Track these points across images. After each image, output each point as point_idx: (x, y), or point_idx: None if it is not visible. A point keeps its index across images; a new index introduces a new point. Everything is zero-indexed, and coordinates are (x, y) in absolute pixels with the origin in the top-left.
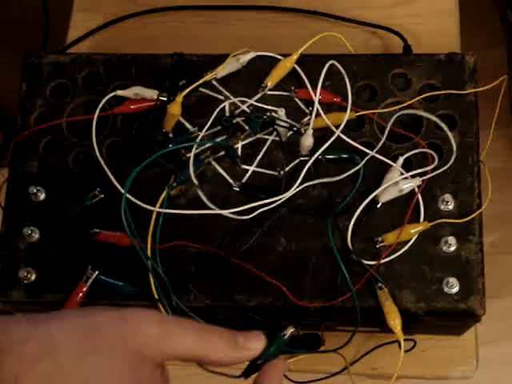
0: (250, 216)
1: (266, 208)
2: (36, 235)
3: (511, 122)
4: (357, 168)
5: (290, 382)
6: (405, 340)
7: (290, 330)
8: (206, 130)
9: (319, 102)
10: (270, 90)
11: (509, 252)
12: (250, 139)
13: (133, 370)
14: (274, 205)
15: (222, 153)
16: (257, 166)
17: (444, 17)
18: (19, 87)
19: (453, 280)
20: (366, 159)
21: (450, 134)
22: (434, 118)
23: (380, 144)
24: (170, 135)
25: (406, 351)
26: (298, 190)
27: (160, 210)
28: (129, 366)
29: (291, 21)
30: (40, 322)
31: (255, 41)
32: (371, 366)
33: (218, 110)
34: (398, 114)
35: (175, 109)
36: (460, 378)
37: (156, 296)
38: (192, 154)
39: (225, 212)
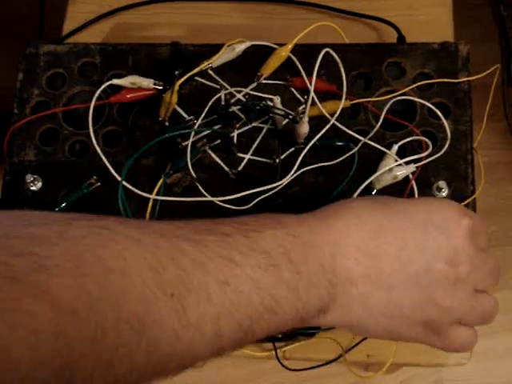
0: (248, 206)
1: (262, 196)
2: None
3: (504, 116)
4: (351, 153)
5: (286, 369)
6: None
7: None
8: (202, 119)
9: (314, 91)
10: (265, 79)
11: (502, 245)
12: (246, 128)
13: None
14: (270, 193)
15: (218, 141)
16: (252, 155)
17: (437, 8)
18: (15, 78)
19: None
20: (360, 144)
21: (444, 121)
22: (429, 105)
23: (374, 130)
24: (167, 124)
25: None
26: (293, 177)
27: (157, 197)
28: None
29: (286, 12)
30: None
31: (250, 32)
32: (366, 353)
33: (214, 99)
34: (392, 101)
35: (171, 97)
36: (454, 365)
37: None
38: (190, 142)
39: (221, 200)
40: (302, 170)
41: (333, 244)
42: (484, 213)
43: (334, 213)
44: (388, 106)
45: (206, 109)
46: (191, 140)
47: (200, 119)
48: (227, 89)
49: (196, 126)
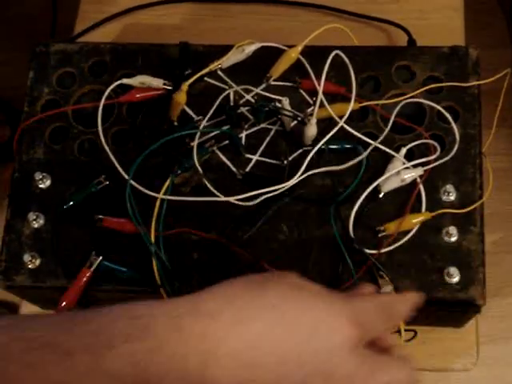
0: (252, 203)
1: (268, 195)
2: (41, 221)
3: None
4: (360, 158)
5: None
6: (405, 330)
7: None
8: (210, 119)
9: (323, 93)
10: (274, 80)
11: (511, 251)
12: (254, 129)
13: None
14: (275, 192)
15: (226, 142)
16: (261, 156)
17: (449, 12)
18: (26, 76)
19: (453, 270)
20: (369, 150)
21: (453, 124)
22: (438, 107)
23: (384, 134)
24: (175, 123)
25: (406, 341)
26: (300, 178)
27: (164, 196)
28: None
29: (296, 14)
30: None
31: (261, 34)
32: None
33: (221, 97)
34: (402, 104)
35: (181, 97)
36: (460, 371)
37: (159, 282)
38: (195, 142)
39: (227, 199)
40: (309, 173)
41: (207, 353)
42: (494, 218)
43: (215, 312)
44: (397, 109)
45: (213, 109)
46: (199, 140)
47: (206, 119)
48: (236, 89)
49: (202, 126)
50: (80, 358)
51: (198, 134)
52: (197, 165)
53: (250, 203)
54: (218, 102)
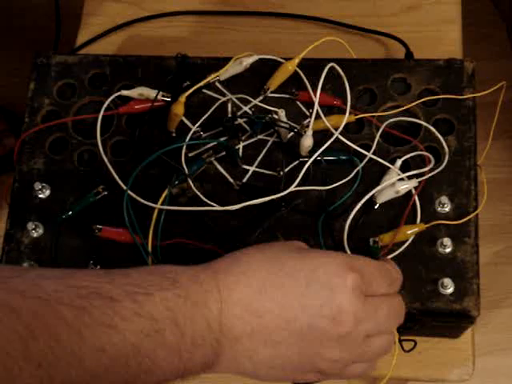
0: (237, 207)
1: (259, 202)
2: (40, 230)
3: None
4: (356, 170)
5: None
6: (404, 340)
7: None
8: (208, 130)
9: (319, 105)
10: (271, 92)
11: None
12: (251, 140)
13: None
14: (267, 200)
15: (224, 153)
16: (257, 167)
17: (447, 25)
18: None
19: (448, 281)
20: (365, 161)
21: (440, 138)
22: (425, 124)
23: (375, 142)
24: (174, 135)
25: (407, 351)
26: (296, 189)
27: (161, 207)
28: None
29: (296, 27)
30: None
31: (259, 46)
32: None
33: (214, 107)
34: (394, 119)
35: (178, 109)
36: (456, 381)
37: None
38: (183, 155)
39: (224, 209)
40: (302, 188)
41: (221, 301)
42: (494, 229)
43: (225, 268)
44: (389, 120)
45: (204, 118)
46: (197, 151)
47: (196, 126)
48: (234, 101)
49: (188, 137)
50: (124, 303)
51: (184, 146)
52: (184, 168)
53: (235, 207)
54: (214, 113)
